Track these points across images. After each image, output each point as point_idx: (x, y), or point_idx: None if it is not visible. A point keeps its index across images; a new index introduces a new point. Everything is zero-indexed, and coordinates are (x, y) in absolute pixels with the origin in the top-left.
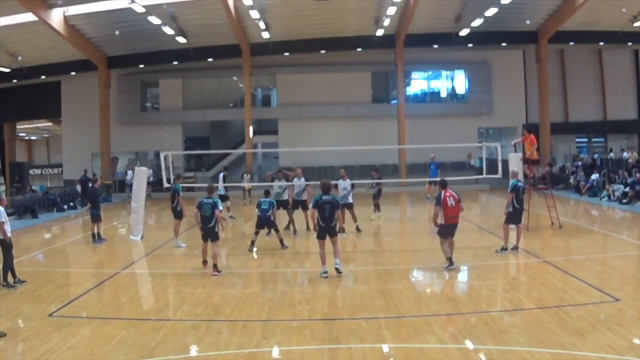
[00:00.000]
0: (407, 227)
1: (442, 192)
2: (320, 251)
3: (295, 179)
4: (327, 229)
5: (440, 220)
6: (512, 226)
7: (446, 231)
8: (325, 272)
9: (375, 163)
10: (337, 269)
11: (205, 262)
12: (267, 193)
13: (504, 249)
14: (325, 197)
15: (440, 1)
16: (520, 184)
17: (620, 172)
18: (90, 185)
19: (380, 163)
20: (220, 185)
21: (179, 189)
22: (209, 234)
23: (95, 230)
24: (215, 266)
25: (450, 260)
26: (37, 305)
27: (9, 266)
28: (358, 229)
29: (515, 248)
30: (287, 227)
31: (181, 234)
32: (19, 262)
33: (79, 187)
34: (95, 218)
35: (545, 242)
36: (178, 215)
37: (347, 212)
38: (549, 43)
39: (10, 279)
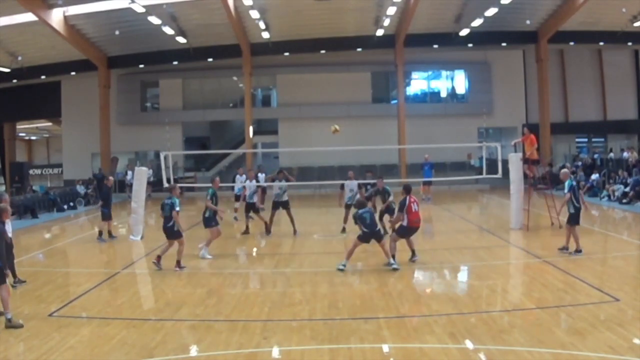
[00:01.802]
0: None
1: (407, 197)
2: (352, 249)
3: (247, 181)
4: (371, 234)
5: (404, 222)
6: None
7: (407, 232)
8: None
9: (375, 163)
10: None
11: (159, 257)
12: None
13: (578, 250)
14: (361, 210)
15: (440, 1)
16: (574, 183)
17: (620, 172)
18: (104, 183)
19: (380, 163)
20: (237, 185)
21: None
22: (167, 233)
23: (105, 228)
24: (178, 262)
25: (393, 257)
26: (37, 305)
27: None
28: (344, 230)
29: (565, 248)
30: (268, 229)
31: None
32: (19, 262)
33: (79, 187)
34: (106, 216)
35: (545, 242)
36: (208, 222)
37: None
38: (549, 43)
39: (10, 279)
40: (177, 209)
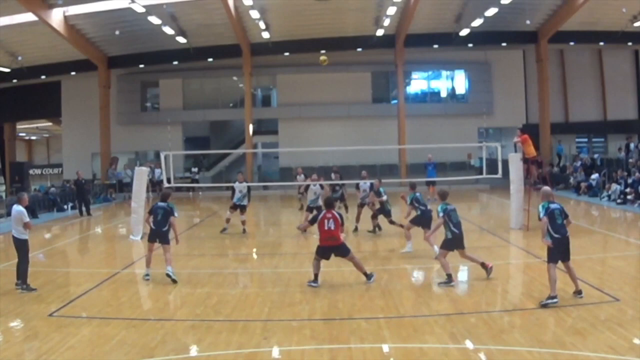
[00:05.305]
0: None
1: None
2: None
3: (237, 183)
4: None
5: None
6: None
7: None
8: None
9: (375, 163)
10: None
11: None
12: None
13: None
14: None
15: (440, 1)
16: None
17: (620, 171)
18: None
19: (380, 163)
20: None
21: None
22: None
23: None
24: None
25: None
26: (37, 305)
27: (25, 267)
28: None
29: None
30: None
31: (180, 233)
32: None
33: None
34: None
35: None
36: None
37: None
38: (549, 43)
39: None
40: None
